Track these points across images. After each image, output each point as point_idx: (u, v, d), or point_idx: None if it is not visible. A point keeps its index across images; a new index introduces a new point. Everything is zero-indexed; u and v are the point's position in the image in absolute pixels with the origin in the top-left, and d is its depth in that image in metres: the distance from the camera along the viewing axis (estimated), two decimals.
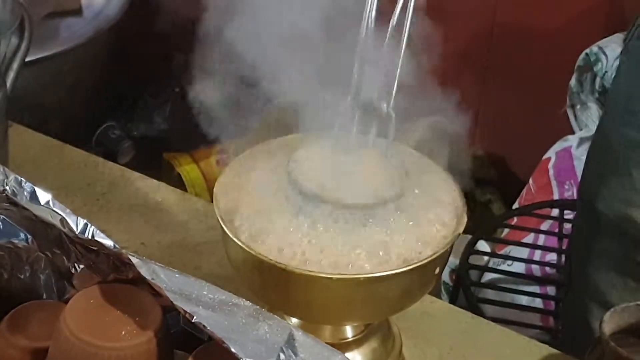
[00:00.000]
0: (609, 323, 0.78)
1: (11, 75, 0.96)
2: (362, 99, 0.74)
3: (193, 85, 0.78)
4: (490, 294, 1.52)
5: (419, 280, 0.73)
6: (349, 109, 0.74)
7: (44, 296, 0.70)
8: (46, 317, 0.65)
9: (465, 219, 0.75)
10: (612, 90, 1.12)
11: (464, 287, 1.48)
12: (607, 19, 1.90)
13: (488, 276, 1.62)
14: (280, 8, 0.76)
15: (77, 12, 1.88)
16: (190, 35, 0.79)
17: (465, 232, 1.81)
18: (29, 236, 0.69)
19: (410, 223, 0.74)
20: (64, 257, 0.68)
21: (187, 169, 1.93)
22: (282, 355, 0.55)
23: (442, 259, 0.73)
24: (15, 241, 0.69)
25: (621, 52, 1.09)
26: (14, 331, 0.65)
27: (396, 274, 0.70)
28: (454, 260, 1.75)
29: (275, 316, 0.59)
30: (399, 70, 0.72)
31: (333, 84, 0.74)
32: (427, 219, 0.75)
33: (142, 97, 2.07)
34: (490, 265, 1.65)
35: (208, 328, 0.55)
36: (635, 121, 1.00)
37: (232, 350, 0.54)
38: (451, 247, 0.74)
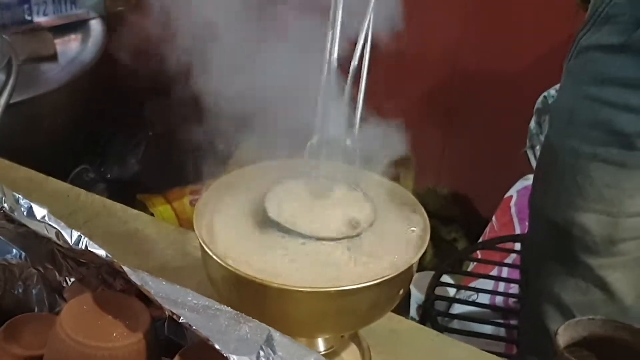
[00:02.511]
0: (562, 336, 0.82)
1: None
2: (327, 137, 0.80)
3: (166, 128, 0.83)
4: (456, 324, 1.56)
5: (386, 294, 0.79)
6: (315, 146, 0.80)
7: (36, 310, 0.74)
8: (39, 327, 0.69)
9: (427, 237, 0.80)
10: (555, 106, 1.21)
11: (431, 318, 1.52)
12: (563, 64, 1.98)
13: (456, 309, 1.67)
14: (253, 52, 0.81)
15: (53, 57, 1.93)
16: (164, 78, 0.85)
17: (431, 268, 1.85)
18: (21, 253, 0.73)
19: (376, 241, 0.80)
20: (56, 272, 0.72)
21: (161, 210, 1.97)
22: (261, 353, 0.60)
23: (406, 275, 0.79)
24: (9, 258, 0.73)
25: (563, 71, 1.17)
26: (9, 341, 0.68)
27: (365, 287, 0.75)
28: (420, 296, 1.80)
29: (255, 319, 0.64)
30: (359, 109, 0.78)
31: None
32: (392, 240, 0.81)
33: (116, 140, 2.11)
34: (458, 297, 1.69)
35: (194, 327, 0.60)
36: (577, 133, 1.08)
37: (217, 347, 0.58)
38: (416, 264, 0.79)
